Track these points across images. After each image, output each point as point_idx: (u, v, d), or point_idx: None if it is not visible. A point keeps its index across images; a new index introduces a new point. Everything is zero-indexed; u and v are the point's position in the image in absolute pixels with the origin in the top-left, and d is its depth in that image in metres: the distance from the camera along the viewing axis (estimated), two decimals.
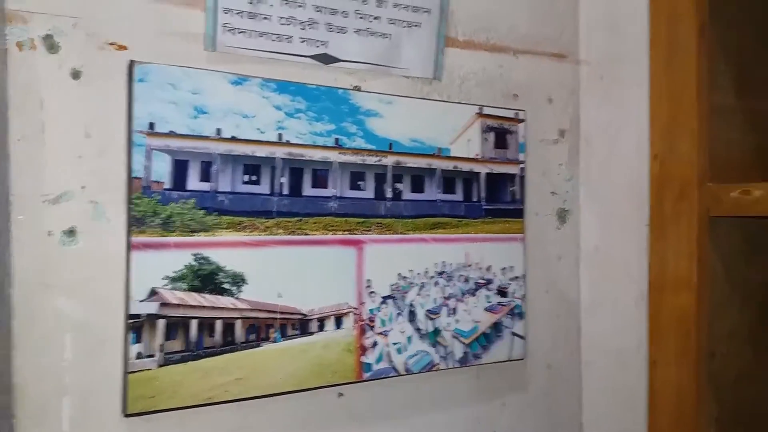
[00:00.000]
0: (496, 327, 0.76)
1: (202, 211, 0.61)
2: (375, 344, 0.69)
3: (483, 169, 0.75)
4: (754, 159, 0.61)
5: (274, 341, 0.65)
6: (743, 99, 0.59)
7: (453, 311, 0.73)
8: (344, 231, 0.68)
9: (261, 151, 0.64)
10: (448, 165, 0.73)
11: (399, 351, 0.71)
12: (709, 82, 0.54)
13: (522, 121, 0.78)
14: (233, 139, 0.63)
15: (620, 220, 0.78)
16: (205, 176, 0.62)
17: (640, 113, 0.72)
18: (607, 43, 0.78)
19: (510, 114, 0.77)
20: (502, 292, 0.76)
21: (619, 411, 0.77)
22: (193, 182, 0.61)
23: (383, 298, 0.70)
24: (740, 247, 0.60)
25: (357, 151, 0.69)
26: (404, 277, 0.71)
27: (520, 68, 0.79)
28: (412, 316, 0.71)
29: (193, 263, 0.61)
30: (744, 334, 0.60)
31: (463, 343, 0.74)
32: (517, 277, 0.77)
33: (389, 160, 0.70)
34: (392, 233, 0.70)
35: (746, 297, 0.60)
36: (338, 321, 0.68)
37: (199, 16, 0.61)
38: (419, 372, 0.71)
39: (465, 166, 0.74)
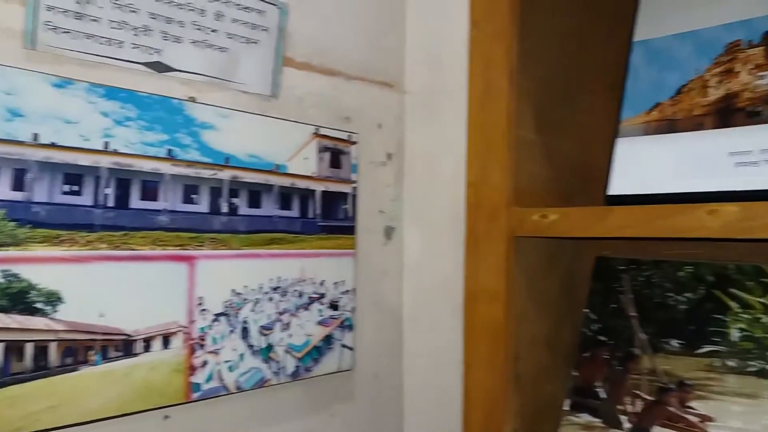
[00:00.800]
0: (328, 340, 0.78)
1: (12, 223, 0.55)
2: (205, 363, 0.68)
3: (319, 187, 0.77)
4: (550, 187, 0.71)
5: (94, 364, 0.60)
6: (542, 136, 0.68)
7: (287, 326, 0.74)
8: (175, 246, 0.66)
9: (84, 160, 0.60)
10: (286, 182, 0.74)
11: (230, 369, 0.70)
12: (516, 121, 0.63)
13: (354, 143, 0.82)
14: (53, 145, 0.58)
15: (439, 238, 0.86)
16: (18, 185, 0.56)
17: (458, 143, 0.80)
18: (430, 78, 0.85)
19: (344, 136, 0.81)
20: (333, 305, 0.79)
21: (437, 412, 0.84)
22: (4, 191, 0.55)
23: (215, 315, 0.69)
24: (539, 264, 0.69)
25: (191, 163, 0.67)
26: (238, 294, 0.70)
27: (352, 93, 0.84)
28: (245, 333, 0.71)
29: (1, 281, 0.54)
30: (542, 339, 0.69)
31: (296, 357, 0.75)
32: (347, 291, 0.80)
33: (225, 174, 0.70)
34: (227, 249, 0.69)
35: (544, 307, 0.69)
36: (166, 341, 0.65)
37: (18, 11, 0.55)
38: (251, 389, 0.71)
39: (302, 184, 0.76)
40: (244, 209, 0.71)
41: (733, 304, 0.61)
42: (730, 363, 0.59)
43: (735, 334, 0.60)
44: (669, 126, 0.60)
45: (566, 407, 0.67)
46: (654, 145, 0.60)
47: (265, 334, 0.72)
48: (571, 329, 0.71)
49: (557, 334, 0.70)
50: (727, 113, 0.57)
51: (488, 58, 0.61)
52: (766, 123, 0.54)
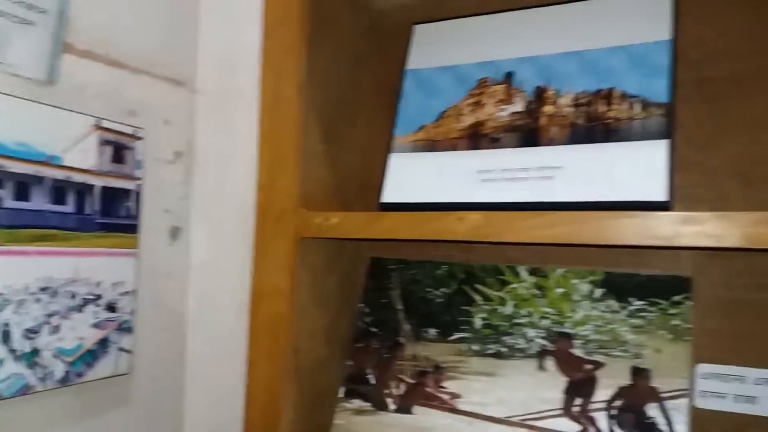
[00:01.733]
0: (103, 343, 0.75)
1: None
2: None
3: (98, 182, 0.74)
4: (334, 194, 0.77)
5: None
6: (327, 146, 0.74)
7: (56, 329, 0.69)
8: None
9: None
10: (60, 174, 0.69)
11: None
12: (304, 130, 0.67)
13: (140, 138, 0.80)
14: None
15: (228, 239, 0.87)
16: None
17: (249, 146, 0.83)
18: (223, 79, 0.86)
19: (128, 130, 0.78)
20: (111, 307, 0.75)
21: (219, 411, 0.84)
22: None
23: None
24: (321, 263, 0.74)
25: None
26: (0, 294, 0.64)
27: (139, 87, 0.81)
28: (5, 337, 0.64)
29: None
30: (321, 333, 0.75)
31: (66, 362, 0.70)
32: (127, 292, 0.78)
33: None
34: None
35: (324, 303, 0.75)
36: None
37: None
38: (11, 397, 0.65)
39: (79, 177, 0.71)
40: (9, 202, 0.65)
41: (477, 298, 0.72)
42: (474, 347, 0.70)
43: (478, 323, 0.71)
44: (431, 145, 0.70)
45: (341, 395, 0.74)
46: (419, 161, 0.69)
47: (31, 338, 0.67)
48: (348, 323, 0.78)
49: (335, 327, 0.77)
50: (476, 138, 0.68)
51: (279, 70, 0.65)
52: (504, 147, 0.66)
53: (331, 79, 0.75)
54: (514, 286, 0.71)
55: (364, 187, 0.80)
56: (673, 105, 0.60)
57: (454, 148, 0.69)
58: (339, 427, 0.71)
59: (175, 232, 0.88)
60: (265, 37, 0.65)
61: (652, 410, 0.60)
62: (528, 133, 0.65)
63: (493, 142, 0.67)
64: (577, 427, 0.62)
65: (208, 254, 0.89)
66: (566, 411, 0.63)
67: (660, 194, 0.57)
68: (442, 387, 0.69)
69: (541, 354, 0.67)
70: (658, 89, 0.61)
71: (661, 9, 0.63)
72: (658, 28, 0.63)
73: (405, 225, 0.63)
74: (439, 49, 0.74)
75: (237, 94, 0.85)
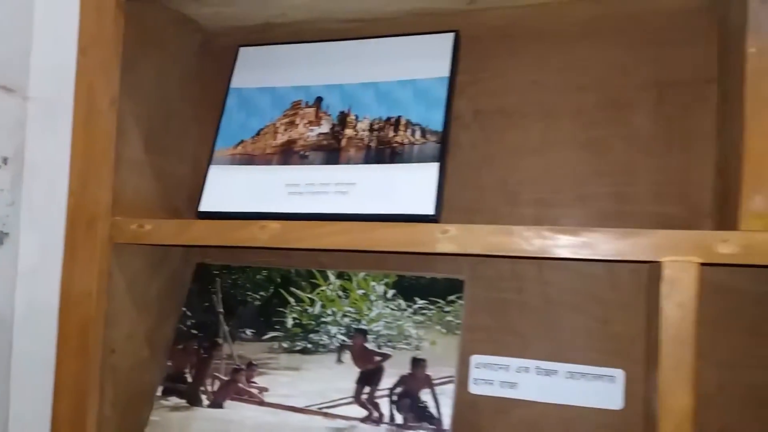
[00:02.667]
0: None
1: None
2: None
3: None
4: (161, 201, 0.81)
5: None
6: (152, 156, 0.78)
7: None
8: None
9: None
10: None
11: None
12: (121, 141, 0.71)
13: None
14: None
15: (58, 244, 0.88)
16: None
17: None
18: (55, 87, 0.88)
19: None
20: None
21: (44, 415, 0.85)
22: None
23: None
24: (144, 268, 0.78)
25: None
26: None
27: None
28: None
29: None
30: (141, 335, 0.78)
31: None
32: None
33: None
34: None
35: (146, 306, 0.79)
36: None
37: None
38: None
39: None
40: None
41: (291, 300, 0.79)
42: (284, 345, 0.77)
43: (290, 322, 0.78)
44: (248, 159, 0.76)
45: (159, 393, 0.78)
46: (236, 174, 0.75)
47: None
48: (172, 325, 0.82)
49: (158, 330, 0.80)
50: (288, 154, 0.75)
51: (92, 85, 0.68)
52: (311, 164, 0.74)
53: (156, 93, 0.79)
54: (323, 288, 0.79)
55: (193, 196, 0.84)
56: (447, 133, 0.71)
57: (268, 162, 0.75)
58: (154, 423, 0.75)
59: (1, 238, 0.88)
60: (80, 52, 0.68)
61: (426, 395, 0.69)
62: (331, 152, 0.73)
63: (302, 159, 0.74)
64: (364, 412, 0.70)
65: (38, 260, 0.90)
66: (356, 399, 0.71)
67: (429, 209, 0.66)
68: (253, 382, 0.76)
69: (340, 348, 0.75)
70: (436, 119, 0.71)
71: (443, 50, 0.74)
72: (440, 67, 0.73)
73: (213, 233, 0.69)
74: (260, 71, 0.81)
75: (67, 102, 0.87)
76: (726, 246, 0.53)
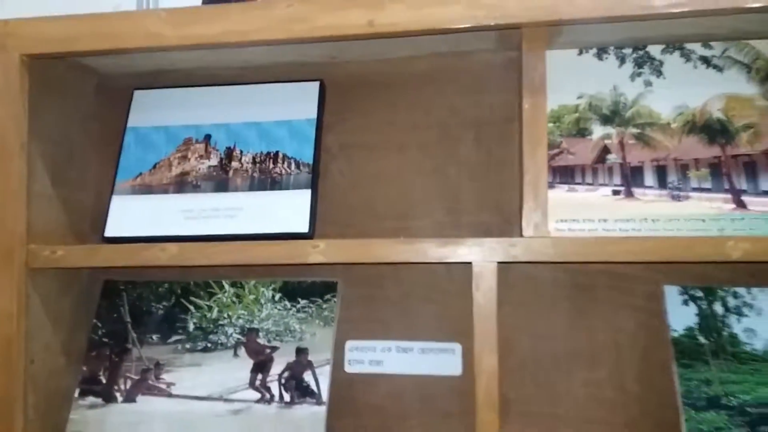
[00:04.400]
0: None
1: None
2: None
3: None
4: (69, 228, 0.92)
5: None
6: (59, 190, 0.89)
7: None
8: None
9: None
10: None
11: None
12: (32, 178, 0.82)
13: None
14: None
15: None
16: None
17: None
18: None
19: None
20: None
21: None
22: None
23: None
24: (56, 288, 0.89)
25: None
26: None
27: None
28: None
29: None
30: (58, 345, 0.89)
31: None
32: None
33: None
34: None
35: (59, 321, 0.89)
36: None
37: None
38: None
39: None
40: None
41: (191, 307, 0.93)
42: (187, 346, 0.91)
43: (191, 327, 0.92)
44: (147, 189, 0.89)
45: (76, 395, 0.89)
46: (136, 202, 0.88)
47: None
48: (84, 336, 0.93)
49: (72, 340, 0.91)
50: (182, 184, 0.89)
51: (3, 133, 0.79)
52: (203, 192, 0.87)
53: (60, 133, 0.90)
54: (219, 296, 0.93)
55: (96, 223, 0.95)
56: (317, 164, 0.87)
57: (165, 191, 0.88)
58: (73, 421, 0.87)
59: None
60: None
61: (308, 377, 0.86)
62: (220, 182, 0.88)
63: (195, 188, 0.88)
64: (257, 395, 0.86)
65: None
66: (251, 385, 0.86)
67: (304, 227, 0.83)
68: (161, 379, 0.89)
69: (236, 345, 0.89)
70: (307, 153, 0.87)
71: (311, 95, 0.90)
72: (309, 109, 0.89)
73: (119, 255, 0.81)
74: (154, 111, 0.93)
75: None
76: (514, 249, 0.73)
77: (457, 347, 0.90)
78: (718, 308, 0.80)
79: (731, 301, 0.80)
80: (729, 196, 0.75)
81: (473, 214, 0.90)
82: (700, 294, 0.82)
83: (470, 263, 0.75)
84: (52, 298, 0.88)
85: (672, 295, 0.82)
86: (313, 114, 0.89)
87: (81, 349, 0.93)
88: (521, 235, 0.77)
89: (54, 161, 0.88)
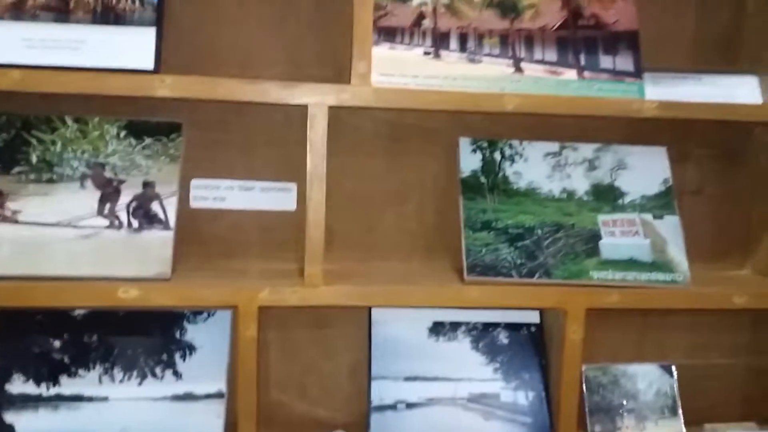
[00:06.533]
0: None
1: None
2: None
3: None
4: None
5: None
6: None
7: None
8: None
9: None
10: None
11: None
12: None
13: None
14: None
15: None
16: None
17: None
18: None
19: None
20: None
21: None
22: None
23: None
24: None
25: None
26: None
27: None
28: None
29: None
30: None
31: None
32: None
33: None
34: None
35: None
36: None
37: None
38: None
39: None
40: None
41: (33, 140, 0.95)
42: (32, 176, 0.94)
43: (34, 159, 0.95)
44: None
45: None
46: None
47: None
48: None
49: None
50: (20, 11, 0.88)
51: None
52: (43, 22, 0.88)
53: None
54: (62, 131, 0.96)
55: None
56: (162, 2, 0.91)
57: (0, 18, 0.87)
58: None
59: None
60: None
61: (156, 207, 0.95)
62: (60, 13, 0.89)
63: (34, 18, 0.88)
64: (106, 222, 0.93)
65: None
66: (100, 213, 0.94)
67: (149, 64, 0.88)
68: (5, 207, 0.92)
69: (82, 177, 0.95)
70: None
71: None
72: None
73: None
74: None
75: None
76: (343, 95, 0.87)
77: (293, 186, 1.04)
78: (497, 156, 1.03)
79: (507, 151, 1.03)
80: (511, 61, 0.94)
81: (313, 67, 1.02)
82: (485, 145, 1.03)
83: (306, 105, 0.88)
84: None
85: (465, 145, 1.03)
86: None
87: None
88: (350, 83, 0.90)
89: None
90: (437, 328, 1.03)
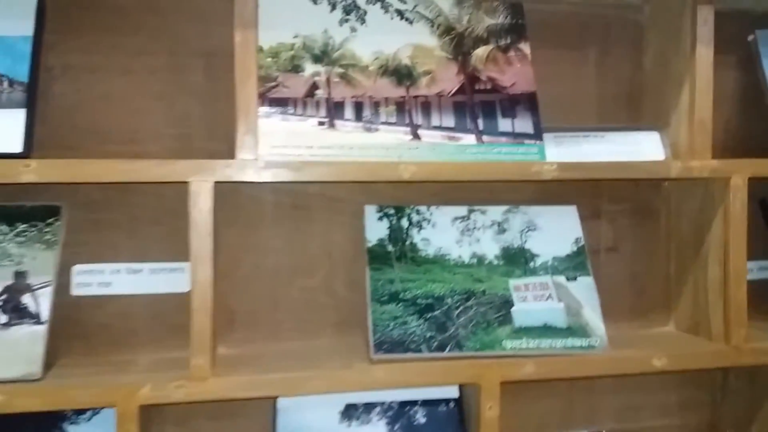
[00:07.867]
0: None
1: None
2: None
3: None
4: None
5: None
6: None
7: None
8: None
9: None
10: None
11: None
12: None
13: None
14: None
15: None
16: None
17: None
18: None
19: None
20: None
21: None
22: None
23: None
24: None
25: None
26: None
27: None
28: None
29: None
30: None
31: None
32: None
33: None
34: None
35: None
36: None
37: None
38: None
39: None
40: None
41: None
42: None
43: None
44: None
45: None
46: None
47: None
48: None
49: None
50: None
51: None
52: None
53: None
54: None
55: None
56: (35, 84, 0.85)
57: None
58: None
59: None
60: None
61: (27, 299, 0.86)
62: None
63: None
64: (5, 318, 0.84)
65: None
66: None
67: (17, 147, 0.81)
68: None
69: None
70: (22, 72, 0.85)
71: (27, 12, 0.87)
72: (24, 26, 0.86)
73: None
74: None
75: None
76: (229, 170, 0.82)
77: (185, 265, 0.96)
78: (404, 222, 0.98)
79: (414, 217, 0.99)
80: (408, 129, 0.91)
81: (204, 140, 0.96)
82: (392, 212, 0.99)
83: (187, 182, 0.82)
84: None
85: (371, 213, 0.98)
86: (29, 32, 0.86)
87: None
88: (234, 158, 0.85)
89: None
90: (350, 411, 0.95)
